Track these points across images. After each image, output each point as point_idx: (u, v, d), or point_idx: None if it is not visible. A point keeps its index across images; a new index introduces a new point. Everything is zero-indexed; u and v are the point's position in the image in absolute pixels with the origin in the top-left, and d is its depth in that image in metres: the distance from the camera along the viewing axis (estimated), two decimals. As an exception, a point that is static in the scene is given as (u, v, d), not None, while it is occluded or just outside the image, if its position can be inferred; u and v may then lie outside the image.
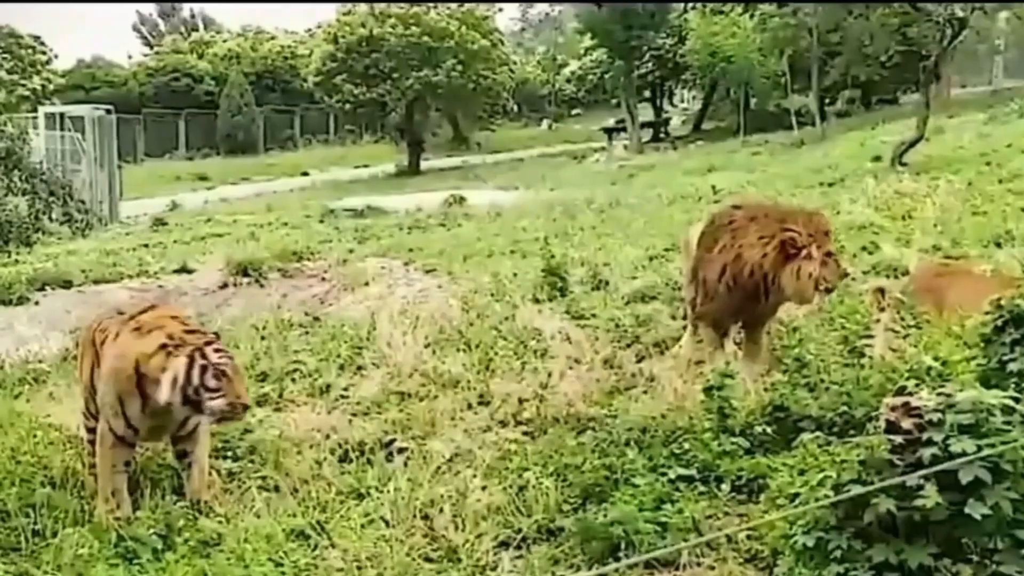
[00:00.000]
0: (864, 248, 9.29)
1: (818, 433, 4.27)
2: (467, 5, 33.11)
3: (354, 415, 6.02)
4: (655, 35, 33.37)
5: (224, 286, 11.26)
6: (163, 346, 4.58)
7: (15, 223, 10.83)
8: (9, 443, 5.38)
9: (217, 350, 4.60)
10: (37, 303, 10.73)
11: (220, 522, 4.52)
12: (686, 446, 4.69)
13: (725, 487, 4.40)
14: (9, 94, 33.40)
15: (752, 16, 30.67)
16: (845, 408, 4.72)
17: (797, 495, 3.53)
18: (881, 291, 6.37)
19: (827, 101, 32.20)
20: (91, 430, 4.98)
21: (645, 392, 5.91)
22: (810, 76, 27.81)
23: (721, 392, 4.96)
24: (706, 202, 14.35)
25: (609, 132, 35.99)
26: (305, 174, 32.89)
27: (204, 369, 4.51)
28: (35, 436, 5.51)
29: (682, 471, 4.50)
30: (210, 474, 4.96)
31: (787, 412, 4.85)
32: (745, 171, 18.88)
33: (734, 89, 33.03)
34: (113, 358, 4.75)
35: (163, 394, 4.53)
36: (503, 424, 5.63)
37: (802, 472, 3.78)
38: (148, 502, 4.69)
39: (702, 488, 4.40)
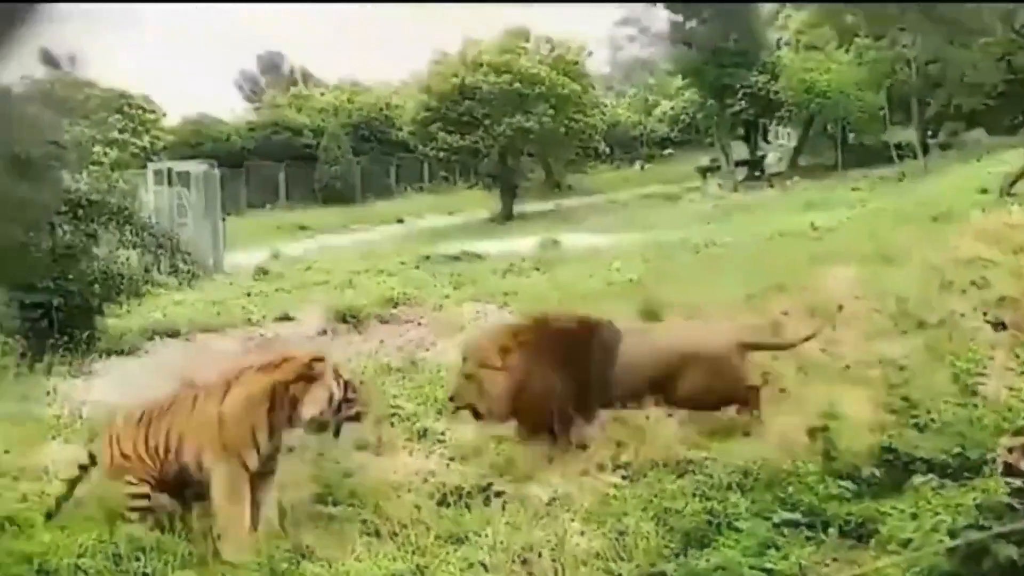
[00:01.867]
0: (973, 283, 8.98)
1: (931, 476, 4.14)
2: (557, 51, 33.43)
3: (452, 459, 6.05)
4: (748, 73, 33.11)
5: (324, 333, 11.48)
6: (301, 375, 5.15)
7: (126, 276, 11.24)
8: (119, 488, 5.54)
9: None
10: (147, 352, 11.12)
11: (322, 566, 4.58)
12: (791, 490, 4.57)
13: (833, 532, 4.26)
14: (121, 152, 34.93)
15: (847, 50, 30.26)
16: (959, 449, 4.56)
17: (910, 541, 3.42)
18: (1002, 325, 6.14)
19: (929, 133, 31.44)
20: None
21: (746, 434, 5.79)
22: (910, 108, 27.16)
23: (826, 433, 4.83)
24: (805, 239, 14.10)
25: (703, 171, 35.69)
26: (401, 221, 33.40)
27: (346, 384, 5.20)
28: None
29: (787, 515, 4.39)
30: None
31: (897, 454, 4.70)
32: (845, 207, 18.50)
33: (831, 124, 32.54)
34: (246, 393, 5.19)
35: (314, 409, 5.06)
36: (601, 468, 5.58)
37: (914, 517, 3.66)
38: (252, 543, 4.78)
39: (808, 533, 4.28)
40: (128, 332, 11.65)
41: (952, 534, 3.09)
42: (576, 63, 33.85)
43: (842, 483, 4.54)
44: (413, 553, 4.63)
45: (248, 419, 5.12)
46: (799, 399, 6.27)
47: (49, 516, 5.23)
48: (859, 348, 7.21)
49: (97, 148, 29.86)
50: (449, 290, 14.34)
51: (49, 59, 42.68)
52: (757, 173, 35.33)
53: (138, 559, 4.71)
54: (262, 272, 20.36)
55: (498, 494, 5.36)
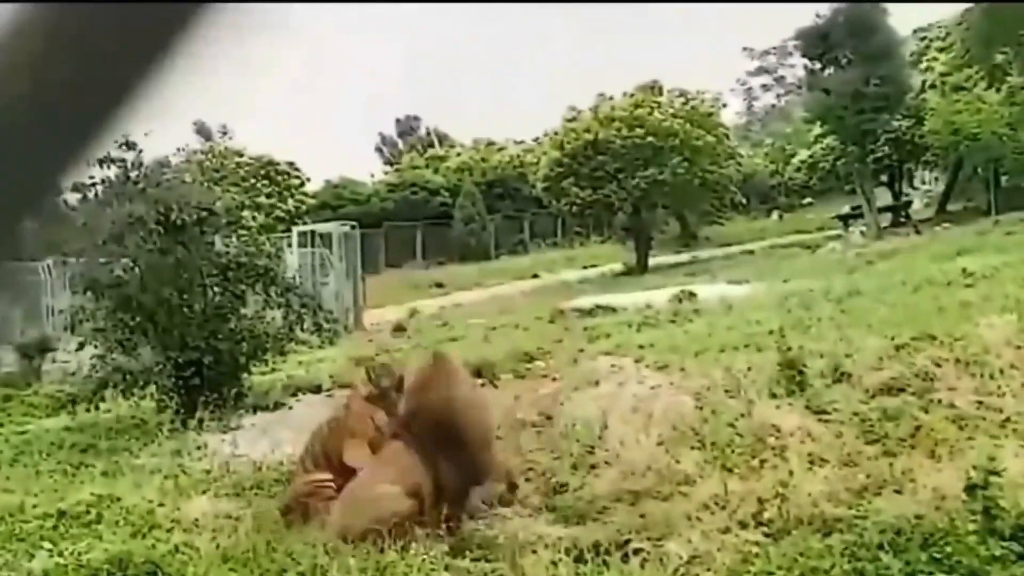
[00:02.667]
0: None
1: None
2: (690, 103, 33.36)
3: (586, 515, 5.97)
4: (889, 117, 32.20)
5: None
6: None
7: (271, 334, 11.68)
8: (263, 540, 5.72)
9: None
10: (291, 408, 11.50)
11: (459, 621, 4.59)
12: (948, 550, 4.31)
13: (996, 596, 4.00)
14: (267, 216, 36.62)
15: (998, 90, 29.11)
16: None
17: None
18: None
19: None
20: None
21: (897, 491, 5.52)
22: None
23: (986, 491, 4.56)
24: (956, 287, 13.46)
25: (844, 219, 34.74)
26: (535, 276, 33.75)
27: None
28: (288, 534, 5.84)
29: (945, 578, 4.15)
30: None
31: (1066, 513, 4.39)
32: (999, 252, 17.60)
33: (981, 167, 31.22)
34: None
35: None
36: (743, 525, 5.41)
37: (1089, 581, 3.39)
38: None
39: (969, 596, 4.03)
40: (273, 388, 12.10)
41: None
42: (710, 114, 33.71)
43: (1005, 544, 4.26)
44: (549, 610, 4.58)
45: None
46: (955, 454, 5.96)
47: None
48: (1019, 400, 6.80)
49: (245, 213, 31.42)
50: (584, 344, 14.30)
51: (202, 130, 45.40)
52: (902, 219, 34.14)
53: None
54: (400, 329, 20.88)
55: (636, 551, 5.26)
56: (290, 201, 39.94)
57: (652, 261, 32.92)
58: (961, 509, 4.71)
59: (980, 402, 7.02)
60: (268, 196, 39.40)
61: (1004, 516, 4.48)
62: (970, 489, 4.64)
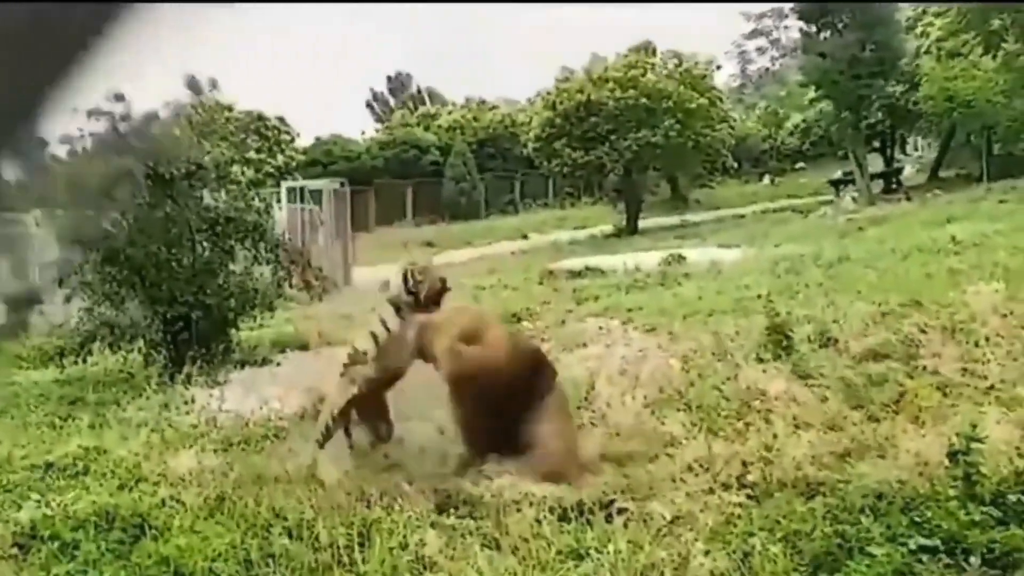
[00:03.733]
0: None
1: (1083, 504, 3.89)
2: (684, 65, 33.15)
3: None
4: (885, 83, 32.07)
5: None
6: None
7: (260, 290, 11.66)
8: (250, 495, 5.75)
9: None
10: (279, 364, 11.52)
11: (444, 578, 4.64)
12: (928, 514, 4.37)
13: (974, 560, 4.05)
14: (257, 172, 36.40)
15: (994, 56, 28.99)
16: (1116, 476, 4.28)
17: (1059, 572, 3.22)
18: None
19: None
20: None
21: (880, 456, 5.58)
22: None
23: (968, 457, 4.61)
24: (945, 254, 13.52)
25: (836, 184, 34.74)
26: (525, 237, 33.69)
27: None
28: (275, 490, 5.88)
29: (924, 541, 4.20)
30: None
31: (1046, 480, 4.45)
32: (990, 220, 17.65)
33: (975, 134, 31.18)
34: None
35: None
36: (726, 487, 5.46)
37: (1065, 546, 3.45)
38: (377, 554, 4.88)
39: (947, 560, 4.07)
40: (260, 344, 12.11)
41: (1107, 566, 2.90)
42: (704, 76, 33.52)
43: (985, 509, 4.31)
44: (533, 567, 4.63)
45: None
46: (938, 420, 6.02)
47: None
48: (1004, 368, 6.86)
49: (235, 168, 31.24)
50: (572, 305, 14.34)
51: (192, 84, 44.95)
52: (894, 186, 34.17)
53: (268, 565, 4.86)
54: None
55: (620, 511, 5.32)
56: (280, 157, 39.69)
57: (642, 224, 32.89)
58: (943, 475, 4.77)
59: (965, 369, 7.09)
60: (258, 151, 39.14)
61: (984, 482, 4.54)
62: (952, 455, 4.70)
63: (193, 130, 30.14)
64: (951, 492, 4.53)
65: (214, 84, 44.35)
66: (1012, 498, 4.39)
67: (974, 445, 4.66)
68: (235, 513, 5.53)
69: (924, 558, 4.10)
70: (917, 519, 4.38)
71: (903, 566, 4.00)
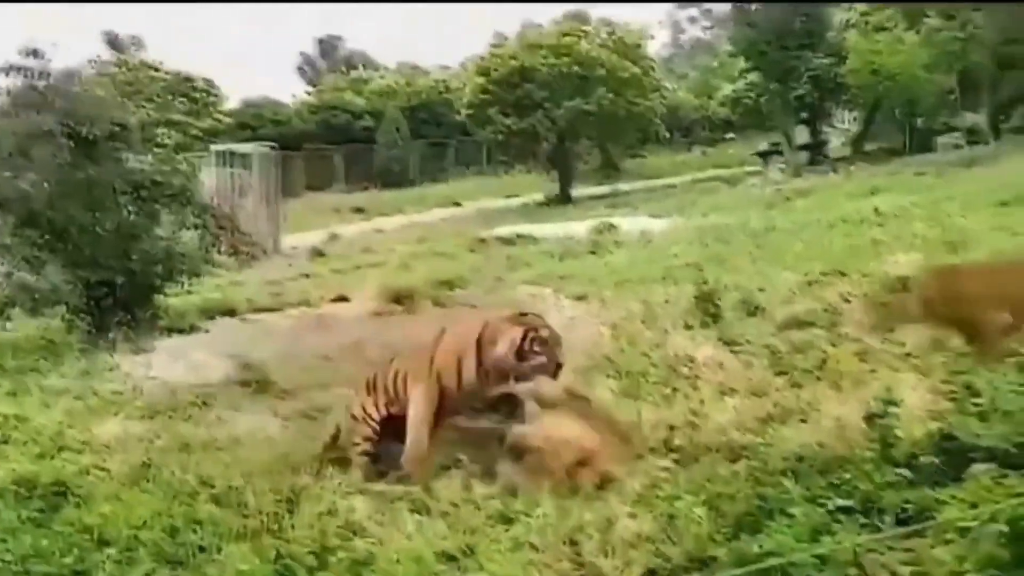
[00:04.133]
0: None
1: (991, 465, 4.04)
2: (617, 34, 33.20)
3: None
4: (812, 55, 32.53)
5: (378, 314, 11.61)
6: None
7: (187, 256, 11.45)
8: (177, 462, 5.69)
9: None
10: (207, 331, 11.37)
11: (373, 542, 4.65)
12: (846, 476, 4.50)
13: (888, 520, 4.19)
14: (184, 134, 35.53)
15: (917, 31, 29.59)
16: (1022, 439, 4.44)
17: (967, 530, 3.34)
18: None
19: (1001, 118, 30.61)
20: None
21: (802, 420, 5.72)
22: (980, 92, 26.47)
23: (884, 420, 4.75)
24: (868, 225, 13.84)
25: (764, 156, 35.21)
26: (457, 204, 33.53)
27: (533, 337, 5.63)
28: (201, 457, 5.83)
29: (842, 502, 4.33)
30: None
31: (956, 442, 4.60)
32: (911, 193, 18.11)
33: (898, 108, 31.85)
34: None
35: (499, 350, 5.63)
36: (653, 451, 5.56)
37: (973, 506, 3.59)
38: (305, 520, 4.87)
39: (863, 520, 4.21)
40: (188, 311, 11.92)
41: (1012, 523, 3.02)
42: (637, 46, 33.57)
43: (899, 471, 4.45)
44: (462, 532, 4.67)
45: (457, 346, 5.77)
46: (857, 385, 6.19)
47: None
48: (920, 334, 7.07)
49: (160, 130, 30.39)
50: (504, 273, 14.38)
51: (114, 43, 43.58)
52: (820, 157, 34.77)
53: (194, 531, 4.82)
54: (319, 254, 20.66)
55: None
56: (207, 119, 38.76)
57: (574, 192, 32.98)
58: (860, 438, 4.91)
59: (884, 337, 7.28)
60: (184, 114, 38.17)
61: (899, 444, 4.69)
62: (869, 419, 4.84)
63: (116, 90, 29.26)
64: (868, 455, 4.66)
65: (138, 43, 43.19)
66: (924, 460, 4.54)
67: (890, 409, 4.80)
68: (160, 480, 5.48)
69: (842, 518, 4.23)
70: (835, 481, 4.51)
71: (821, 526, 4.12)
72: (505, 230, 20.65)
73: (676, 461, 5.38)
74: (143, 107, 32.01)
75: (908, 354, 6.88)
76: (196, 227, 11.72)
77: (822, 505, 4.32)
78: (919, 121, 31.56)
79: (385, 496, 5.23)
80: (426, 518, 4.90)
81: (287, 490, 5.22)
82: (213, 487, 5.34)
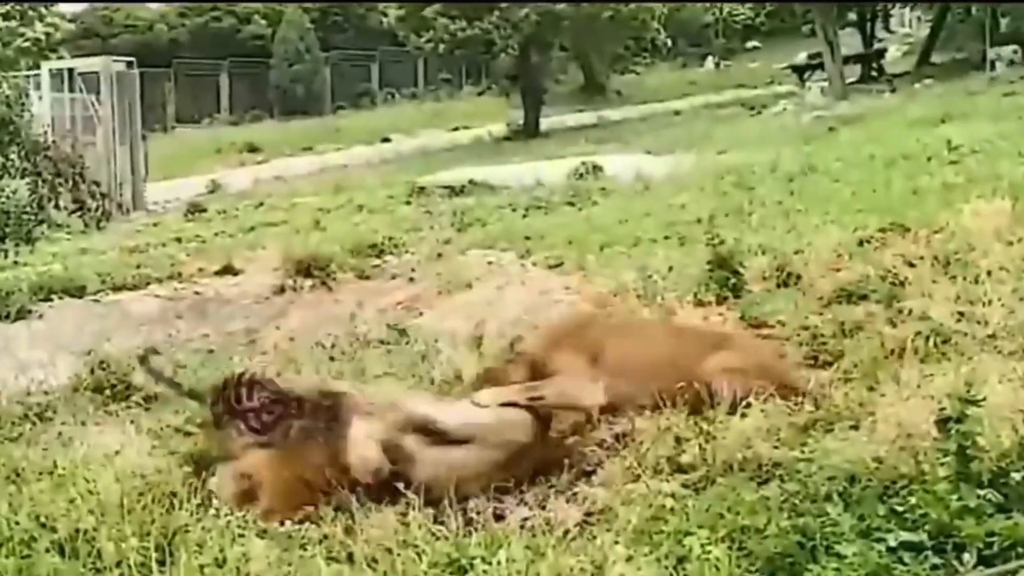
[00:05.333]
0: None
1: (1102, 482, 4.10)
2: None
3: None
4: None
5: (281, 291, 11.54)
6: None
7: (12, 213, 11.29)
8: (4, 498, 5.62)
9: None
10: (41, 316, 11.23)
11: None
12: (912, 501, 4.55)
13: (968, 558, 4.24)
14: (5, 47, 34.99)
15: None
16: None
17: (1073, 570, 3.40)
18: None
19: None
20: None
21: (854, 427, 5.77)
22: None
23: (961, 426, 4.80)
24: (938, 163, 13.96)
25: (800, 71, 35.40)
26: (386, 140, 33.43)
27: None
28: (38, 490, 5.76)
29: (906, 536, 4.38)
30: None
31: (1057, 455, 4.67)
32: (992, 119, 18.29)
33: (976, 7, 32.08)
34: None
35: None
36: (656, 471, 5.58)
37: (1081, 538, 3.64)
38: (182, 573, 4.84)
39: (935, 559, 4.26)
40: (16, 290, 11.74)
41: None
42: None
43: (982, 492, 4.51)
44: (398, 588, 4.67)
45: None
46: (925, 379, 6.24)
47: None
48: (1009, 311, 7.15)
49: (-28, 41, 29.97)
50: (451, 233, 14.35)
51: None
52: (874, 73, 34.99)
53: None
54: (197, 210, 20.49)
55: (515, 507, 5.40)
56: (38, 26, 38.18)
57: (545, 122, 32.98)
58: (930, 449, 4.95)
59: (961, 313, 7.35)
60: (5, 18, 37.57)
61: (982, 457, 4.74)
62: (942, 424, 4.88)
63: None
64: (940, 472, 4.71)
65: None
66: (1016, 477, 4.59)
67: (970, 411, 4.85)
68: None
69: (906, 557, 4.27)
70: (898, 507, 4.55)
71: (881, 567, 4.16)
72: (452, 175, 20.60)
73: (685, 484, 5.41)
74: (-52, 10, 31.49)
75: (992, 335, 6.96)
76: (25, 174, 11.57)
77: (881, 540, 4.36)
78: (1004, 23, 31.78)
79: (292, 538, 5.21)
80: (348, 567, 4.89)
81: (157, 533, 5.17)
82: (55, 531, 5.29)
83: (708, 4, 47.87)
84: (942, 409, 5.02)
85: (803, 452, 5.47)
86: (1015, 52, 29.33)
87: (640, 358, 6.53)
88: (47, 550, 5.10)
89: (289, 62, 40.44)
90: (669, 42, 37.22)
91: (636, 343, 6.78)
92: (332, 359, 8.29)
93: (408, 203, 18.29)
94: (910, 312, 7.63)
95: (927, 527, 4.42)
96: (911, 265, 8.71)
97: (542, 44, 32.74)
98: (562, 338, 6.74)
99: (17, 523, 5.35)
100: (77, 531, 5.22)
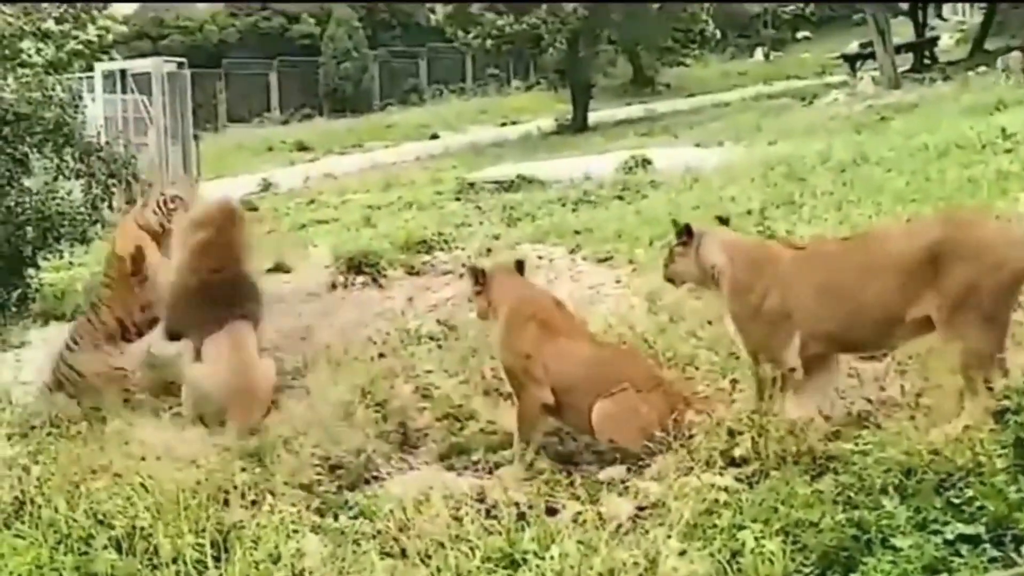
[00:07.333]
0: None
1: None
2: None
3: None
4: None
5: (332, 288, 11.59)
6: None
7: (68, 214, 11.41)
8: (62, 495, 5.68)
9: None
10: (96, 316, 11.34)
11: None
12: (969, 493, 4.50)
13: (1028, 550, 4.21)
14: (58, 50, 35.31)
15: None
16: None
17: None
18: None
19: None
20: None
21: (910, 418, 5.71)
22: None
23: (1019, 417, 4.75)
24: (992, 152, 13.79)
25: (851, 60, 35.09)
26: (435, 137, 33.49)
27: None
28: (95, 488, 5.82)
29: (964, 529, 4.34)
30: None
31: (1120, 444, 4.61)
32: (1051, 107, 18.05)
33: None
34: None
35: None
36: (708, 465, 5.55)
37: None
38: (238, 569, 4.88)
39: (993, 552, 4.22)
40: (70, 290, 11.88)
41: None
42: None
43: (1042, 484, 4.47)
44: (451, 580, 4.68)
45: None
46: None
47: None
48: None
49: (26, 44, 30.24)
50: (500, 229, 14.34)
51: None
52: (927, 61, 34.63)
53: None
54: (249, 208, 20.61)
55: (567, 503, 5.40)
56: (91, 28, 38.54)
57: (593, 116, 32.92)
58: (988, 440, 4.90)
59: (1019, 304, 7.26)
60: (59, 21, 37.95)
61: (1043, 449, 4.69)
62: (1000, 415, 4.83)
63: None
64: (998, 463, 4.66)
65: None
66: (1076, 469, 4.54)
67: (1031, 401, 4.80)
68: (42, 520, 5.47)
69: (964, 550, 4.23)
70: (955, 500, 4.52)
71: (938, 561, 4.12)
72: (501, 170, 20.59)
73: (739, 478, 5.39)
74: (1, 13, 31.85)
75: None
76: (79, 175, 11.68)
77: (937, 533, 4.32)
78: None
79: (345, 534, 5.23)
80: (402, 562, 4.91)
81: (213, 529, 5.22)
82: (112, 527, 5.34)
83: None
84: (998, 400, 4.97)
85: (857, 444, 5.42)
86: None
87: None
88: (104, 547, 5.16)
89: (338, 60, 40.64)
90: (718, 34, 37.02)
91: None
92: (382, 356, 8.32)
93: (457, 199, 18.31)
94: (964, 304, 7.53)
95: (984, 520, 4.38)
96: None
97: (590, 38, 32.65)
98: None
99: (75, 520, 5.41)
100: (134, 528, 5.28)
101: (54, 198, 11.47)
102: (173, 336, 8.00)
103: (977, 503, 4.45)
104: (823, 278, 6.10)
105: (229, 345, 7.53)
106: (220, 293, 7.68)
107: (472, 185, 19.29)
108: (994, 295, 5.61)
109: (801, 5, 44.51)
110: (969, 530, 4.33)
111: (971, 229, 5.84)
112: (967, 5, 41.93)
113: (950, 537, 4.30)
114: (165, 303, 8.07)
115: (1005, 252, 5.64)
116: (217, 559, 5.02)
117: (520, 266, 7.14)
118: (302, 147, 33.00)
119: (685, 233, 6.50)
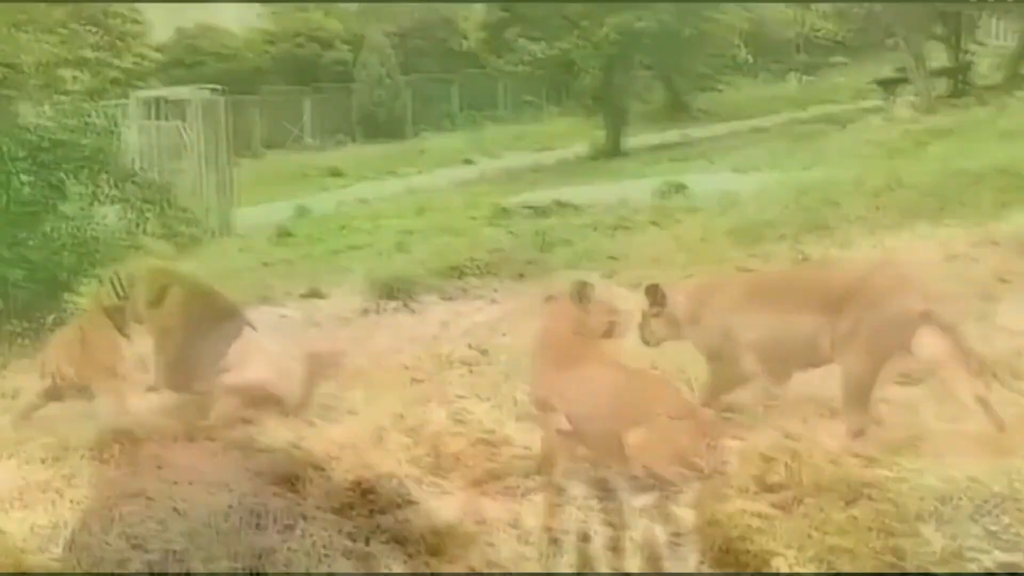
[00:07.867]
0: None
1: None
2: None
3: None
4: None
5: (365, 313, 11.63)
6: None
7: (103, 239, 11.50)
8: (97, 519, 5.71)
9: None
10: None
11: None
12: (1005, 520, 4.48)
13: (1072, 583, 4.17)
14: (95, 77, 35.73)
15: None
16: None
17: None
18: None
19: None
20: None
21: (946, 445, 5.68)
22: None
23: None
24: (1031, 177, 13.74)
25: (886, 85, 34.96)
26: (469, 162, 33.53)
27: None
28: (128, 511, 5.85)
29: (1004, 557, 4.31)
30: None
31: None
32: (1091, 132, 17.94)
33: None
34: None
35: None
36: (742, 491, 5.54)
37: None
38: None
39: (1032, 581, 4.19)
40: (107, 316, 11.96)
41: None
42: (707, -62, 33.41)
43: (1082, 512, 4.44)
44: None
45: None
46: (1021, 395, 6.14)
47: None
48: None
49: (65, 72, 30.63)
50: (534, 254, 14.36)
51: (1, -45, 43.91)
52: (964, 85, 34.48)
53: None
54: (284, 234, 20.72)
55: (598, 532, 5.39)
56: (128, 56, 38.99)
57: (628, 142, 32.92)
58: (1025, 468, 4.87)
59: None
60: (96, 48, 38.40)
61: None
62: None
63: (3, 19, 29.45)
64: (1038, 491, 4.63)
65: (33, -44, 43.48)
66: None
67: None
68: (76, 545, 5.51)
69: (1001, 578, 4.20)
70: (993, 527, 4.48)
71: (974, 589, 4.10)
72: (535, 196, 20.63)
73: (773, 504, 5.36)
74: (41, 41, 32.25)
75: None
76: (115, 201, 11.77)
77: (975, 560, 4.29)
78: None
79: (376, 559, 5.24)
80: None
81: (246, 553, 5.24)
82: (147, 551, 5.37)
83: (791, 18, 47.63)
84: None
85: (894, 471, 5.40)
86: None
87: None
88: (139, 571, 5.18)
89: (371, 86, 40.83)
90: (751, 58, 36.98)
91: None
92: (416, 380, 8.33)
93: (491, 225, 18.34)
94: (1004, 328, 7.51)
95: (1022, 547, 4.34)
96: (1004, 281, 8.57)
97: (624, 63, 32.68)
98: None
99: (109, 544, 5.44)
100: (168, 551, 5.30)
101: (90, 224, 11.56)
102: None
103: (1014, 530, 4.42)
104: None
105: None
106: None
107: (506, 210, 19.32)
108: None
109: (833, 29, 44.36)
110: (1010, 558, 4.30)
111: None
112: (1005, 30, 41.72)
113: (991, 566, 4.27)
114: None
115: None
116: (250, 584, 5.04)
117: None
118: (335, 173, 33.09)
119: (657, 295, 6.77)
